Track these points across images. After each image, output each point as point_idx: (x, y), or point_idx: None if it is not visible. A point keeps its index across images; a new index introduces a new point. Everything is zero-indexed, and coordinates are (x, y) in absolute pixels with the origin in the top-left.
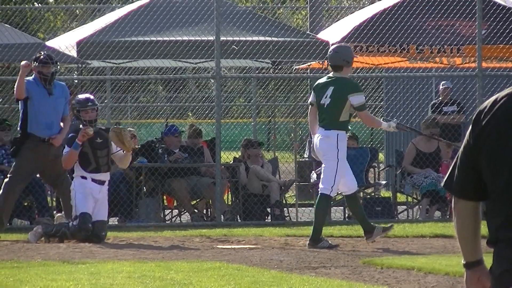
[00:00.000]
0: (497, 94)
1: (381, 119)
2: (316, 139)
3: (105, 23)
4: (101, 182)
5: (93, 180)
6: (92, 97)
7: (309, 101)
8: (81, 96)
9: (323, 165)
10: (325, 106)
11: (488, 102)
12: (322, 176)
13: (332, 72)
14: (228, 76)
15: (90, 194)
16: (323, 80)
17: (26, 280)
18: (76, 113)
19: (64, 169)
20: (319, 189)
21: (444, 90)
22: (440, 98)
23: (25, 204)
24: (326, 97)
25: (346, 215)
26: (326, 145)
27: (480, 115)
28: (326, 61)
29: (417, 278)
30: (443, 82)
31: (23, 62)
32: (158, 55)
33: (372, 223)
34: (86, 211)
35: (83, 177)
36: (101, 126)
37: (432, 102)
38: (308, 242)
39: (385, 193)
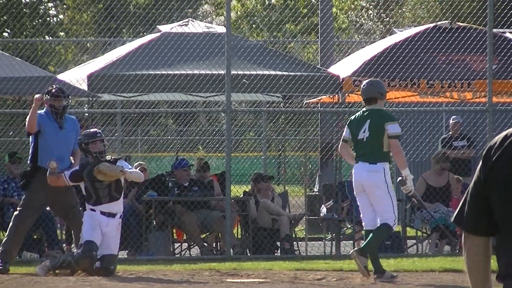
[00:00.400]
0: (508, 130)
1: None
2: (360, 173)
3: (116, 57)
4: (111, 215)
5: (101, 212)
6: (98, 130)
7: (343, 137)
8: (87, 130)
9: (371, 199)
10: (364, 140)
11: (499, 137)
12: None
13: (365, 107)
14: (238, 110)
15: (98, 226)
16: (358, 115)
17: None
18: (85, 147)
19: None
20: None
21: (454, 124)
22: (451, 132)
23: (35, 237)
24: (364, 132)
25: (355, 248)
26: (375, 178)
27: (491, 151)
28: (336, 96)
29: None
30: (454, 116)
31: (36, 96)
32: (169, 89)
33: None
34: (91, 239)
35: (92, 210)
36: (108, 157)
37: (442, 137)
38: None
39: (395, 228)
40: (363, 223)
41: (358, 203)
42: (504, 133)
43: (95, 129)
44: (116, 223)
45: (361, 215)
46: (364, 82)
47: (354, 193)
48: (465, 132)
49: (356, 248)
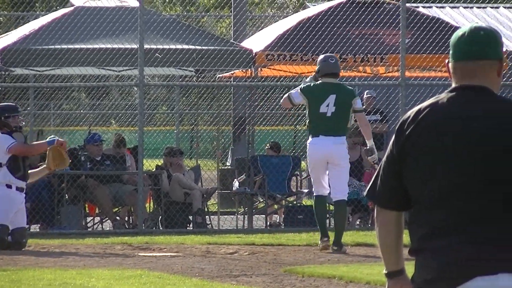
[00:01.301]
0: (421, 104)
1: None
2: (325, 146)
3: (28, 31)
4: (22, 190)
5: (17, 188)
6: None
7: (293, 98)
8: (6, 104)
9: (333, 171)
10: (329, 115)
11: (412, 112)
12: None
13: (322, 79)
14: (151, 84)
15: (13, 205)
16: (317, 86)
17: None
18: (4, 120)
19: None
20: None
21: (367, 99)
22: (364, 107)
23: None
24: (328, 106)
25: (268, 223)
26: (342, 151)
27: (404, 125)
28: (249, 70)
29: (338, 287)
30: (367, 91)
31: None
32: (82, 63)
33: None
34: (4, 223)
35: (8, 186)
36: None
37: None
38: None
39: (307, 202)
40: (314, 191)
41: (313, 174)
42: (417, 107)
43: (13, 104)
44: (23, 197)
45: (314, 185)
46: (327, 57)
47: (311, 165)
48: (378, 106)
49: (325, 244)
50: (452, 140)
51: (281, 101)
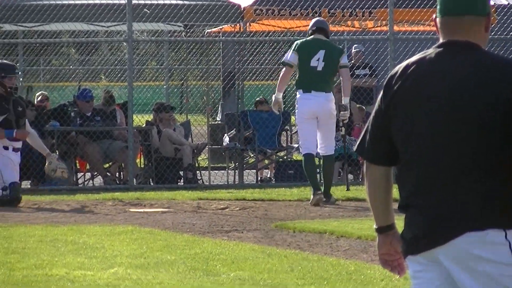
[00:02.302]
0: (409, 59)
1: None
2: (318, 102)
3: None
4: (18, 150)
5: (14, 149)
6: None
7: (288, 61)
8: (3, 62)
9: (324, 127)
10: (319, 69)
11: (400, 67)
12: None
13: (313, 36)
14: (140, 39)
15: (12, 164)
16: (306, 41)
17: None
18: (0, 80)
19: None
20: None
21: (356, 53)
22: (352, 61)
23: None
24: (318, 60)
25: (259, 178)
26: (332, 108)
27: (392, 80)
28: (237, 25)
29: (329, 241)
30: (355, 45)
31: None
32: (71, 19)
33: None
34: (15, 181)
35: (5, 148)
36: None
37: None
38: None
39: (297, 157)
40: (303, 148)
41: (302, 130)
42: (405, 62)
43: (9, 62)
44: (19, 157)
45: (303, 141)
46: (315, 20)
47: (302, 120)
48: (366, 61)
49: (319, 197)
50: (435, 94)
51: (281, 75)
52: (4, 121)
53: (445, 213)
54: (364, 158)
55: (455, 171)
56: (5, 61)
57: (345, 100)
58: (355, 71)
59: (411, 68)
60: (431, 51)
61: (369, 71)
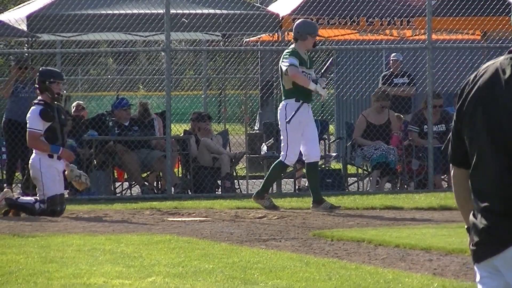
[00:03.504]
0: (482, 66)
1: (332, 91)
2: (308, 112)
3: None
4: (61, 158)
5: (58, 157)
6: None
7: (294, 63)
8: (51, 69)
9: (309, 135)
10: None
11: (474, 74)
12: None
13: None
14: (178, 49)
15: (57, 176)
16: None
17: None
18: (48, 85)
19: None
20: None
21: (394, 62)
22: (391, 70)
23: None
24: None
25: (297, 187)
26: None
27: (464, 88)
28: (276, 34)
29: (367, 250)
30: (393, 54)
31: None
32: (109, 28)
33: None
34: (56, 193)
35: (50, 156)
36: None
37: (382, 74)
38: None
39: (335, 165)
40: (309, 156)
41: (299, 140)
42: (480, 68)
43: (59, 71)
44: (63, 165)
45: (308, 149)
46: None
47: (299, 130)
48: (405, 69)
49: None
50: (495, 104)
51: (296, 75)
52: (48, 129)
53: (498, 223)
54: (449, 161)
55: (504, 181)
56: (51, 68)
57: (312, 87)
58: (394, 79)
59: (479, 76)
60: (500, 59)
61: (408, 79)
